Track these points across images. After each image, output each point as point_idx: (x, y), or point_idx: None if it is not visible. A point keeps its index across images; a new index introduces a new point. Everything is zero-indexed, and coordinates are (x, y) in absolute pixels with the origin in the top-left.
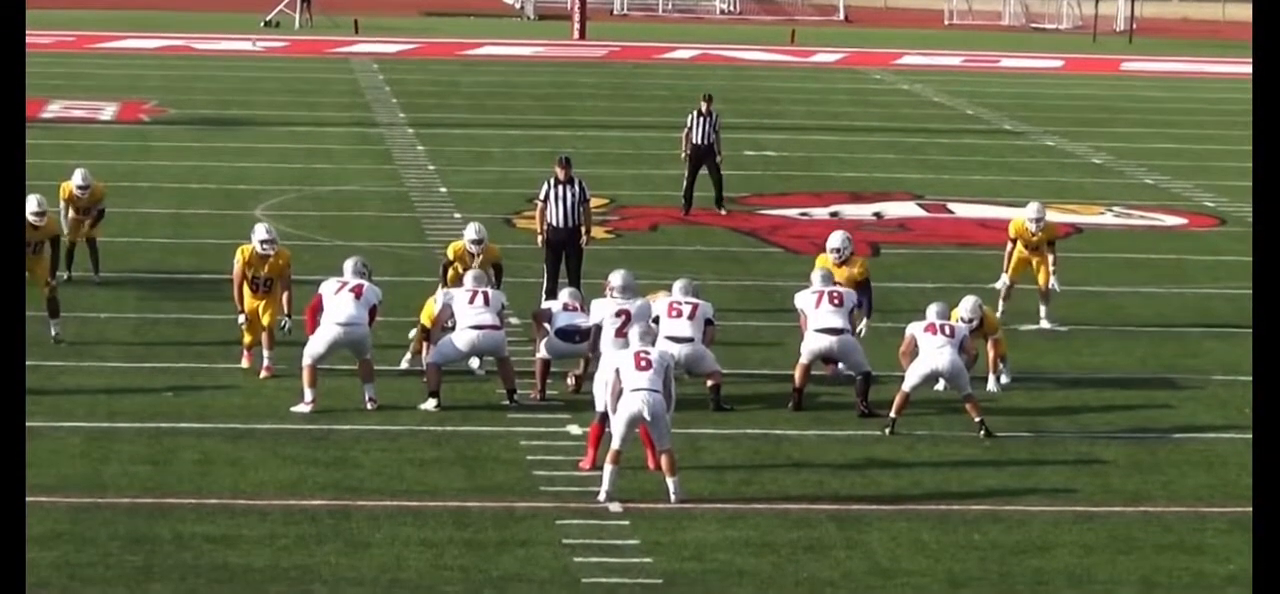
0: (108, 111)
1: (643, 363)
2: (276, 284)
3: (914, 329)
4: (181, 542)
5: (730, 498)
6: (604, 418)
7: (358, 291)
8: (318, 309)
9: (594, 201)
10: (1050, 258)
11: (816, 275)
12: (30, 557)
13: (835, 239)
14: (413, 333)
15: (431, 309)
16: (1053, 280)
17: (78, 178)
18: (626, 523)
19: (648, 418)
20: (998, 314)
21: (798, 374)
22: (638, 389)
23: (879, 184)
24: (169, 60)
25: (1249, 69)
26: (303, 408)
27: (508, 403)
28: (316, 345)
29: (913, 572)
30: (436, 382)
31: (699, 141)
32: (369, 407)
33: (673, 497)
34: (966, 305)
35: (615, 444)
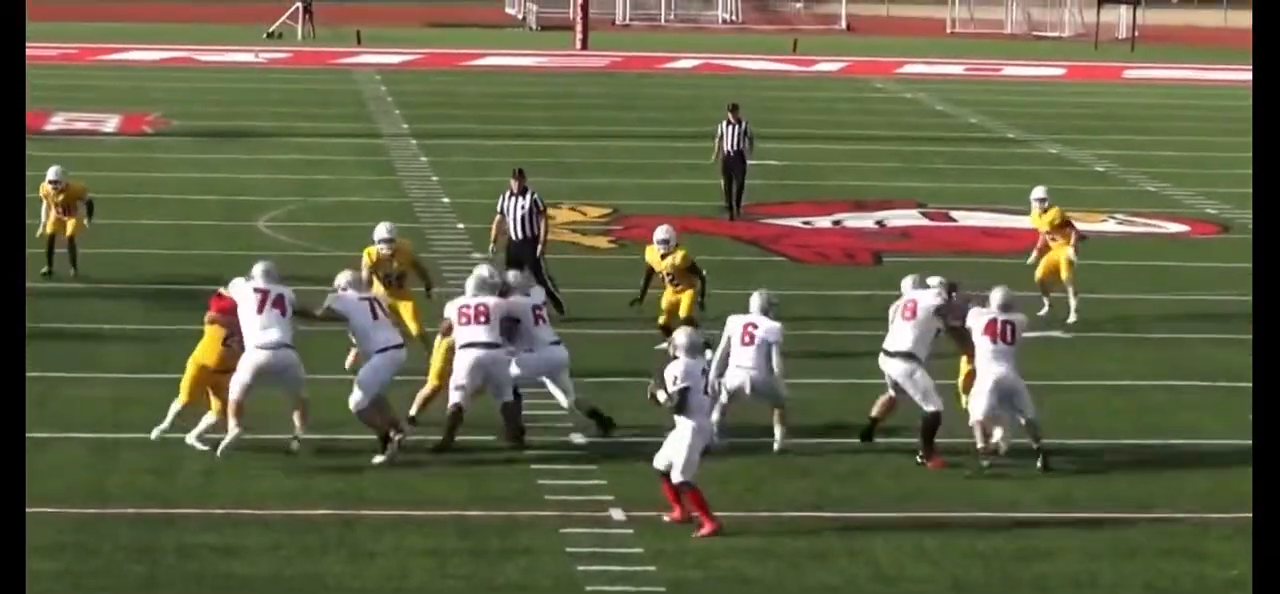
0: (111, 123)
1: (747, 338)
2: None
3: (974, 322)
4: (186, 552)
5: (734, 506)
6: (665, 474)
7: (281, 306)
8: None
9: (596, 211)
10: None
11: (908, 282)
12: (34, 567)
13: None
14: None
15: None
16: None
17: (52, 173)
18: (630, 531)
19: (748, 392)
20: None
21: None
22: (741, 366)
23: (881, 193)
24: (172, 72)
25: (1250, 76)
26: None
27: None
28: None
29: (916, 579)
30: (388, 420)
31: (730, 150)
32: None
33: (777, 444)
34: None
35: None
